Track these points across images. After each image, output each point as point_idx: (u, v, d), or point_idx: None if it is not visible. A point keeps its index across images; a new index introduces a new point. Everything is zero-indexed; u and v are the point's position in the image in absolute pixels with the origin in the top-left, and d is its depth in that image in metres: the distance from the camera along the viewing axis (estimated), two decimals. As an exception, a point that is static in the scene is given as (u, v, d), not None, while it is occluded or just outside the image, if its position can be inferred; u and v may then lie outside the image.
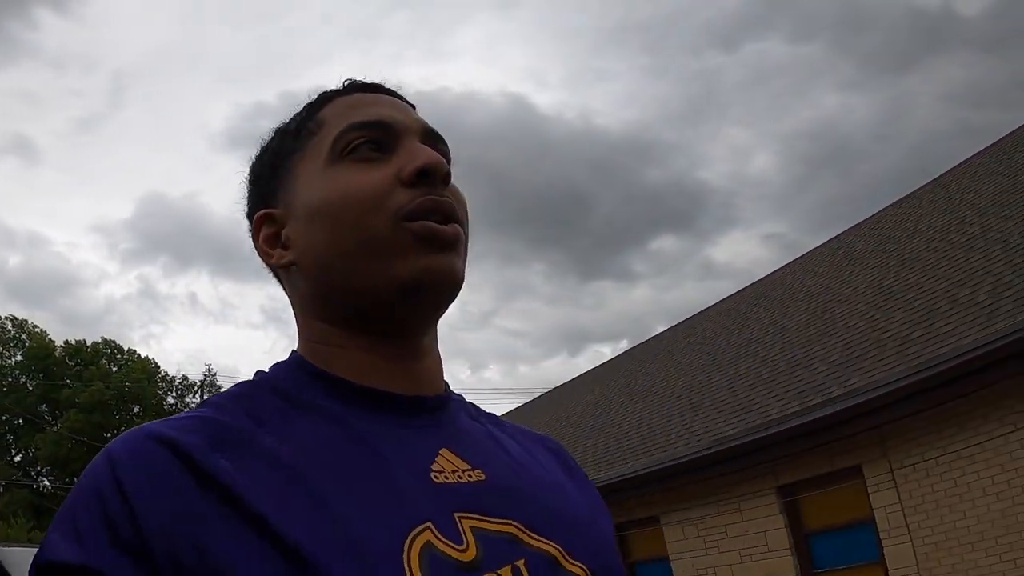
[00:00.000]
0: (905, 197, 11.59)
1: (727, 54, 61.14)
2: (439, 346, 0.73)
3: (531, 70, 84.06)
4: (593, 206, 62.99)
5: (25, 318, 33.89)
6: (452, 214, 0.66)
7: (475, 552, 0.58)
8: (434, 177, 0.66)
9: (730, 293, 14.19)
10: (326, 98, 0.73)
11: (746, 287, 13.74)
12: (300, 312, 0.71)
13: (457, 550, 0.57)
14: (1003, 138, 10.49)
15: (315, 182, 0.68)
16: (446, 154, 0.72)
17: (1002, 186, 8.83)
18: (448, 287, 0.66)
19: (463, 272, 0.68)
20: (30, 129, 60.04)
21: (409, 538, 0.55)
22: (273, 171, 0.72)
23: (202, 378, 33.17)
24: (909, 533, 6.22)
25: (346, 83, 0.74)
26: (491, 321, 72.61)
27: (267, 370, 0.69)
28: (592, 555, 0.65)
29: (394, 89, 0.75)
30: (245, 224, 0.75)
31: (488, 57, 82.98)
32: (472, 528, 0.59)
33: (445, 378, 0.74)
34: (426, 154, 0.66)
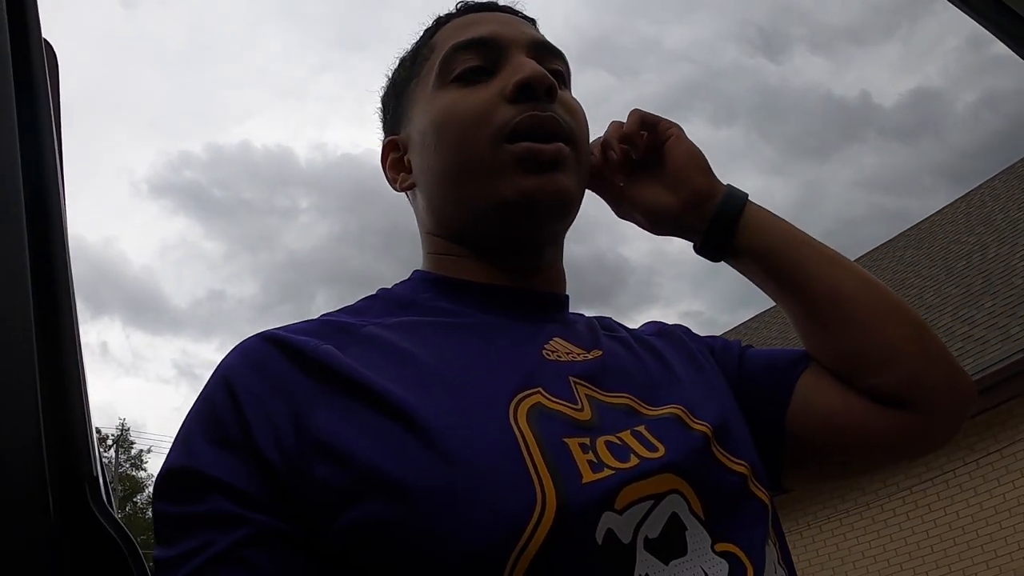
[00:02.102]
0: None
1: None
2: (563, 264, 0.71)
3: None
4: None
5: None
6: (556, 130, 0.64)
7: (591, 414, 0.56)
8: (537, 90, 0.63)
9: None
10: (440, 22, 0.73)
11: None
12: (422, 230, 0.72)
13: (572, 408, 0.56)
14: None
15: (425, 106, 0.68)
16: (558, 68, 0.70)
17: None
18: (553, 208, 0.64)
19: (572, 190, 0.65)
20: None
21: (516, 399, 0.54)
22: (397, 98, 0.74)
23: (116, 432, 31.96)
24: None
25: (459, 5, 0.73)
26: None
27: (389, 287, 0.69)
28: (714, 415, 0.62)
29: (509, 5, 0.74)
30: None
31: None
32: (587, 396, 0.58)
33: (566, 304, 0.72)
34: (528, 67, 0.64)
